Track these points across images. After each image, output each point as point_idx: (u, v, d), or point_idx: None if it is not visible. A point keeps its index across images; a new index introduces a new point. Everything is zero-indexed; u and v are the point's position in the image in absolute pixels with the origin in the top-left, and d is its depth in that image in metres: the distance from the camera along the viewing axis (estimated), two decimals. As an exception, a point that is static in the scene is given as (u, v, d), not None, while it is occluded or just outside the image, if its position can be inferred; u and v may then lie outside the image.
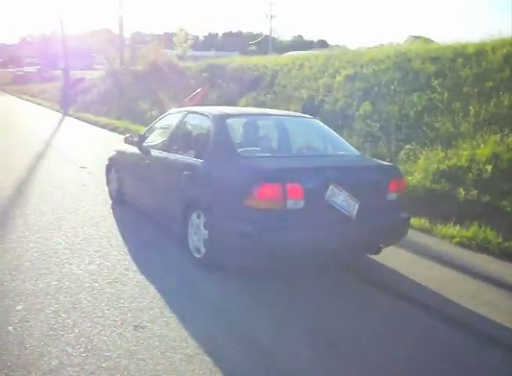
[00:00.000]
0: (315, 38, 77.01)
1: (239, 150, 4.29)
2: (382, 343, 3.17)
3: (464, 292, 4.02)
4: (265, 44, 49.37)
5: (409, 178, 6.32)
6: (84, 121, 19.35)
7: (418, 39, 17.22)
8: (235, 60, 16.74)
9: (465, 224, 5.44)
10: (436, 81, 8.15)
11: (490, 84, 7.40)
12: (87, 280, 3.86)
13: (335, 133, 5.25)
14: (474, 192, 5.78)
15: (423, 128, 7.45)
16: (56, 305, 3.40)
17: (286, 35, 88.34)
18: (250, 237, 3.68)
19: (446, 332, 3.39)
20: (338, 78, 10.40)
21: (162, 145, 5.28)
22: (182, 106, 6.57)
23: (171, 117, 5.60)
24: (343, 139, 5.18)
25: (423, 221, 5.71)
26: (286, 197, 3.65)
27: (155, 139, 5.62)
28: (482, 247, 5.04)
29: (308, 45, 53.15)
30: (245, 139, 4.79)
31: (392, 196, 4.21)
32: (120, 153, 6.34)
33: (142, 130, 6.74)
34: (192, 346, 2.97)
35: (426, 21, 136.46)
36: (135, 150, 5.71)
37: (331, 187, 3.81)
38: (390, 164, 5.10)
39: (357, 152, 4.91)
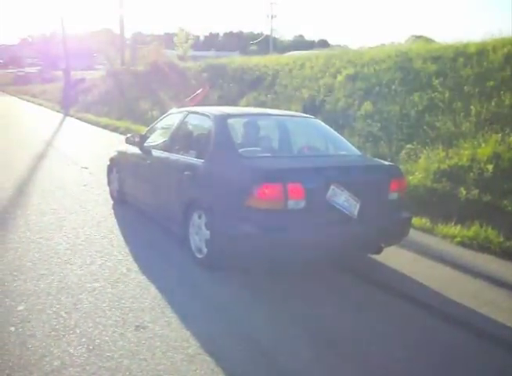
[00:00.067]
0: (316, 38, 77.18)
1: (240, 150, 4.29)
2: (382, 343, 3.16)
3: (465, 292, 4.02)
4: (266, 44, 49.39)
5: (410, 177, 6.32)
6: (85, 121, 19.36)
7: (419, 39, 17.24)
8: (235, 60, 16.74)
9: (466, 223, 5.44)
10: (437, 81, 8.15)
11: (491, 83, 7.39)
12: (88, 281, 3.86)
13: (336, 133, 5.25)
14: (475, 191, 5.78)
15: (424, 127, 7.45)
16: (58, 306, 3.41)
17: (287, 35, 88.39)
18: (252, 237, 3.68)
19: (447, 332, 3.39)
20: (339, 78, 10.40)
21: (163, 145, 5.28)
22: (182, 107, 6.57)
23: (172, 118, 5.60)
24: (344, 139, 5.18)
25: (424, 220, 5.70)
26: (287, 197, 3.65)
27: (156, 139, 5.63)
28: (483, 247, 5.04)
29: (309, 45, 53.09)
30: (246, 139, 4.79)
31: (393, 195, 4.21)
32: (121, 154, 6.34)
33: (143, 130, 6.75)
34: (193, 346, 2.97)
35: (427, 21, 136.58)
36: (136, 150, 5.72)
37: (332, 187, 3.81)
38: (391, 163, 5.09)
39: (358, 152, 4.90)
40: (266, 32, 57.76)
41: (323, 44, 57.48)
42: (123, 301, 3.52)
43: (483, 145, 6.35)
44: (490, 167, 5.92)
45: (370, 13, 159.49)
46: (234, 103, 12.35)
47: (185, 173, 4.48)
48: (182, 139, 5.15)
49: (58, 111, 24.76)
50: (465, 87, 7.69)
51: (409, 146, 7.28)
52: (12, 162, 9.36)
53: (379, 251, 4.37)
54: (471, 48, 8.52)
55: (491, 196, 5.65)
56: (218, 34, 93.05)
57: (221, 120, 4.60)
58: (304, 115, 6.07)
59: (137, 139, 5.68)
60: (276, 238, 3.67)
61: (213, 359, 2.84)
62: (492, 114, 6.90)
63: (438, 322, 3.52)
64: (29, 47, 77.23)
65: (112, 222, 5.59)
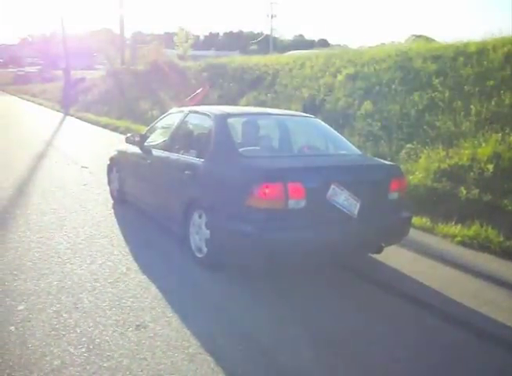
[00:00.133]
0: (316, 38, 77.19)
1: (240, 150, 4.29)
2: (383, 343, 3.16)
3: (466, 291, 4.02)
4: (266, 43, 49.40)
5: (411, 177, 6.32)
6: (85, 120, 19.35)
7: (420, 38, 17.21)
8: (235, 60, 16.73)
9: (466, 223, 5.44)
10: (437, 80, 8.15)
11: (491, 83, 7.39)
12: (88, 280, 3.87)
13: (336, 132, 5.24)
14: (476, 191, 5.78)
15: (425, 127, 7.45)
16: (58, 305, 3.41)
17: (287, 35, 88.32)
18: (252, 237, 3.68)
19: (448, 331, 3.39)
20: (339, 77, 10.40)
21: (163, 144, 5.28)
22: (182, 106, 6.57)
23: (172, 117, 5.60)
24: (344, 139, 5.18)
25: (424, 220, 5.70)
26: (287, 196, 3.65)
27: (156, 138, 5.63)
28: (484, 246, 5.04)
29: (309, 45, 53.07)
30: (246, 138, 4.79)
31: (393, 195, 4.21)
32: (121, 153, 6.34)
33: (143, 130, 6.75)
34: (193, 346, 2.97)
35: (428, 20, 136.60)
36: (136, 149, 5.72)
37: (332, 186, 3.81)
38: (391, 163, 5.09)
39: (358, 151, 4.90)
40: (266, 32, 57.84)
41: (323, 43, 57.48)
42: (123, 301, 3.52)
43: (483, 144, 6.34)
44: (490, 166, 5.92)
45: (370, 13, 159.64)
46: (234, 103, 12.34)
47: (186, 172, 4.48)
48: (182, 138, 5.15)
49: (58, 111, 24.76)
50: (465, 86, 7.69)
51: (409, 145, 7.28)
52: (12, 162, 9.35)
53: (379, 250, 4.36)
54: (471, 47, 8.51)
55: (491, 195, 5.65)
56: (218, 33, 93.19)
57: (222, 119, 4.60)
58: (305, 115, 6.07)
59: (137, 139, 5.68)
60: (277, 238, 3.67)
61: (213, 358, 2.84)
62: (492, 114, 6.90)
63: (438, 321, 3.52)
64: (29, 46, 77.16)
65: (112, 221, 5.59)
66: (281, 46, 52.50)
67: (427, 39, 14.81)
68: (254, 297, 3.76)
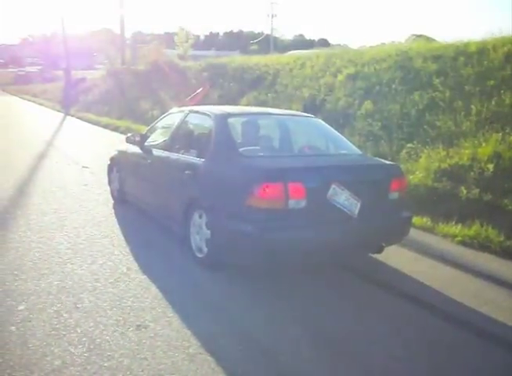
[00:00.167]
0: (316, 37, 77.25)
1: (240, 150, 4.29)
2: (383, 342, 3.16)
3: (466, 291, 4.02)
4: (267, 43, 49.40)
5: (411, 177, 6.31)
6: (85, 120, 19.37)
7: (420, 38, 17.19)
8: (236, 60, 16.73)
9: (467, 223, 5.44)
10: (437, 80, 8.14)
11: (492, 82, 7.38)
12: (89, 280, 3.87)
13: (337, 132, 5.24)
14: (476, 190, 5.78)
15: (425, 126, 7.44)
16: (59, 305, 3.41)
17: (287, 34, 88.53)
18: (252, 237, 3.68)
19: (448, 331, 3.39)
20: (339, 77, 10.39)
21: (164, 144, 5.28)
22: (183, 106, 6.57)
23: (173, 117, 5.60)
24: (344, 138, 5.17)
25: (424, 220, 5.70)
26: (287, 196, 3.65)
27: (156, 138, 5.63)
28: (484, 246, 5.04)
29: (309, 44, 53.08)
30: (247, 138, 4.79)
31: (394, 195, 4.21)
32: (121, 153, 6.34)
33: (144, 130, 6.75)
34: (194, 346, 2.97)
35: (428, 20, 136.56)
36: (136, 149, 5.72)
37: (333, 186, 3.81)
38: (391, 163, 5.09)
39: (359, 151, 4.90)
40: (266, 31, 57.87)
41: (324, 43, 57.46)
42: (124, 301, 3.53)
43: (483, 144, 6.34)
44: (491, 166, 5.91)
45: (370, 12, 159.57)
46: (234, 103, 12.34)
47: (186, 172, 4.48)
48: (182, 138, 5.15)
49: (58, 111, 24.79)
50: (465, 86, 7.68)
51: (409, 145, 7.28)
52: (13, 162, 9.37)
53: (380, 250, 4.37)
54: (472, 47, 8.50)
55: (491, 195, 5.64)
56: (218, 33, 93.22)
57: (222, 119, 4.60)
58: (305, 114, 6.07)
59: (137, 139, 5.68)
60: (277, 238, 3.67)
61: (214, 358, 2.84)
62: (492, 113, 6.89)
63: (438, 321, 3.52)
64: (29, 47, 77.29)
65: (112, 221, 5.60)
66: (281, 46, 52.51)
67: (428, 39, 14.80)
68: (254, 297, 3.76)
